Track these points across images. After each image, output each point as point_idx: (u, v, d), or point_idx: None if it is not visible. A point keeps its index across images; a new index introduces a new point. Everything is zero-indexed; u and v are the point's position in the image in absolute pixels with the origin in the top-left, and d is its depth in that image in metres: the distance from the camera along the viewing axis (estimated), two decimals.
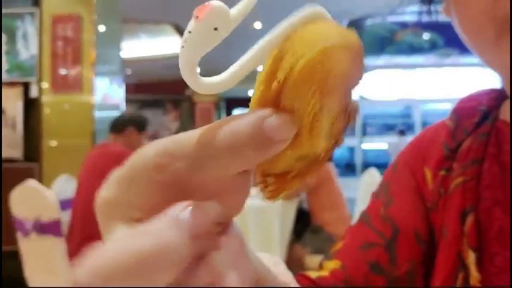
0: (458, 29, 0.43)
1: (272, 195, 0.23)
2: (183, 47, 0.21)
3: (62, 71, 4.02)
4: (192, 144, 0.20)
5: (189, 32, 0.21)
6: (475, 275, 0.40)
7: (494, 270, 0.40)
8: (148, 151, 0.21)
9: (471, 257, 0.41)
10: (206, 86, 0.22)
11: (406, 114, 8.51)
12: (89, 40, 4.04)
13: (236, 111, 11.41)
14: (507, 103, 0.47)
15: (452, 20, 0.44)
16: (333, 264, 0.49)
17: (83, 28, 4.03)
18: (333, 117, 0.22)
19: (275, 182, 0.23)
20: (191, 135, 0.21)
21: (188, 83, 0.22)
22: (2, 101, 3.95)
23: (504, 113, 0.47)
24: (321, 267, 0.51)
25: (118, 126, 2.98)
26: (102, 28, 4.24)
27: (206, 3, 0.21)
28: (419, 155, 0.51)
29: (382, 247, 0.48)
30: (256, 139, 0.20)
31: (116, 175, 0.22)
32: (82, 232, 2.68)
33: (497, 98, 0.49)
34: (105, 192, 0.22)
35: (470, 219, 0.42)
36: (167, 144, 0.21)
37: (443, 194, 0.46)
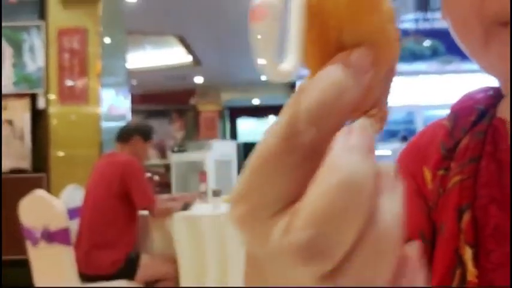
0: (451, 32, 0.43)
1: (384, 122, 0.24)
2: (259, 50, 0.22)
3: (69, 83, 4.07)
4: (306, 112, 0.20)
5: (259, 35, 0.22)
6: (471, 270, 0.40)
7: (490, 267, 0.40)
8: (268, 141, 0.20)
9: (468, 253, 0.41)
10: (286, 74, 0.22)
11: (409, 120, 8.54)
12: (94, 52, 4.09)
13: (240, 120, 11.41)
14: (504, 101, 0.47)
15: (447, 23, 0.44)
16: None
17: (88, 40, 4.09)
18: (392, 18, 0.23)
19: (379, 110, 0.24)
20: (296, 109, 0.20)
21: (271, 79, 0.23)
22: (1, 111, 3.99)
23: (501, 111, 0.47)
24: None
25: (124, 135, 3.04)
26: (107, 40, 4.30)
27: (257, 3, 0.22)
28: (418, 157, 0.51)
29: None
30: (354, 80, 0.21)
31: (239, 189, 0.21)
32: (90, 240, 2.72)
33: (494, 96, 0.49)
34: (240, 210, 0.21)
35: (467, 216, 0.42)
36: (283, 126, 0.20)
37: (442, 193, 0.46)
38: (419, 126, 8.34)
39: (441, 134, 0.50)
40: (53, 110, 4.07)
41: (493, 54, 0.37)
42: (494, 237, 0.41)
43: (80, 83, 4.07)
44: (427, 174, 0.49)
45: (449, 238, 0.43)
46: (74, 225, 2.78)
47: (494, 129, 0.46)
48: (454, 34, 0.43)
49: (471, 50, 0.41)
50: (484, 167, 0.44)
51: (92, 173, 2.97)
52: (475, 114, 0.48)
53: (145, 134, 3.10)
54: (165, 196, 3.40)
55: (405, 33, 7.14)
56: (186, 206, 3.04)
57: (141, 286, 2.81)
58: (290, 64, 0.23)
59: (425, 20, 6.37)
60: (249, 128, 11.36)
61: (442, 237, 0.45)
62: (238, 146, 8.01)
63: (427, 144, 0.52)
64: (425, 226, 0.47)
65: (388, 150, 6.83)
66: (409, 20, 6.58)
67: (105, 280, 2.67)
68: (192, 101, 10.33)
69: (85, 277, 2.65)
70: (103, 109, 4.14)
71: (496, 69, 0.39)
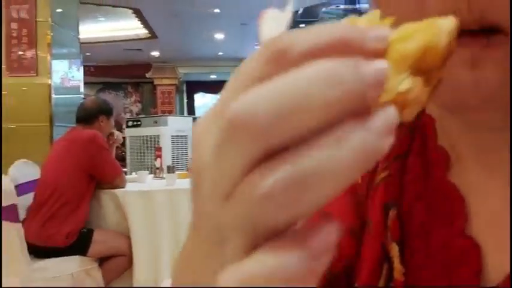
0: None
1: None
2: None
3: (18, 53, 3.94)
4: None
5: None
6: (398, 268, 0.40)
7: (416, 264, 0.40)
8: None
9: (394, 250, 0.41)
10: None
11: None
12: (44, 22, 3.96)
13: (197, 95, 11.33)
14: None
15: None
16: None
17: (38, 10, 3.95)
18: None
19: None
20: None
21: None
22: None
23: (430, 109, 0.45)
24: None
25: (87, 117, 2.97)
26: (58, 10, 4.16)
27: None
28: None
29: None
30: None
31: None
32: (47, 213, 2.69)
33: None
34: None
35: (392, 213, 0.42)
36: None
37: (370, 189, 0.46)
38: None
39: None
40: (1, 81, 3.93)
41: None
42: (420, 235, 0.40)
43: (29, 53, 3.94)
44: None
45: (376, 235, 0.43)
46: (25, 200, 2.74)
47: (423, 127, 0.45)
48: None
49: None
50: (411, 164, 0.43)
51: (52, 147, 2.95)
52: None
53: (109, 111, 3.06)
54: None
55: (357, 12, 7.26)
56: None
57: (95, 262, 2.80)
58: None
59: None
60: (206, 103, 11.30)
61: (369, 233, 0.44)
62: (195, 121, 7.95)
63: None
64: (355, 222, 0.47)
65: None
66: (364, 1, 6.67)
67: (57, 254, 2.66)
68: (149, 74, 10.15)
69: (38, 250, 2.64)
70: (54, 81, 4.03)
71: None
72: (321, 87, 0.18)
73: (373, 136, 0.18)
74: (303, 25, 7.56)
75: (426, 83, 0.21)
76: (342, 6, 6.86)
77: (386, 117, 0.19)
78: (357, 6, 6.90)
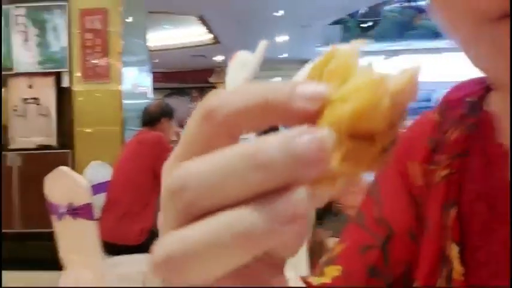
0: (442, 29, 0.38)
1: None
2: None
3: (91, 61, 4.15)
4: None
5: None
6: (457, 269, 0.39)
7: (476, 264, 0.39)
8: None
9: (454, 250, 0.40)
10: None
11: (427, 98, 8.54)
12: (116, 31, 4.15)
13: None
14: (493, 94, 0.45)
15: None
16: (334, 271, 0.48)
17: (110, 20, 4.14)
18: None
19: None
20: None
21: None
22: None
23: (489, 104, 0.45)
24: (321, 273, 0.49)
25: (151, 120, 3.13)
26: (128, 19, 4.34)
27: None
28: (405, 153, 0.48)
29: (378, 249, 0.46)
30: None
31: None
32: (120, 211, 2.84)
33: (486, 87, 0.46)
34: None
35: (453, 213, 0.41)
36: None
37: (430, 187, 0.45)
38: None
39: (429, 129, 0.48)
40: (77, 88, 4.15)
41: (482, 50, 0.33)
42: (482, 234, 0.39)
43: (102, 61, 4.14)
44: (413, 169, 0.47)
45: (434, 235, 0.42)
46: (99, 200, 2.89)
47: (483, 123, 0.44)
48: (444, 31, 0.38)
49: (461, 46, 0.36)
50: (472, 162, 0.42)
51: (124, 149, 3.15)
52: (464, 107, 0.46)
53: (170, 113, 3.22)
54: None
55: (420, 10, 7.03)
56: None
57: None
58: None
59: None
60: None
61: (427, 232, 0.44)
62: None
63: (413, 139, 0.49)
64: (414, 224, 0.46)
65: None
66: None
67: (128, 251, 2.78)
68: (211, 79, 10.36)
69: (112, 247, 2.76)
70: (126, 87, 4.21)
71: (485, 66, 0.35)
72: (244, 170, 0.18)
73: (268, 224, 0.18)
74: (365, 24, 7.44)
75: (371, 146, 0.19)
76: (405, 4, 6.72)
77: (294, 202, 0.18)
78: (413, 4, 6.72)
